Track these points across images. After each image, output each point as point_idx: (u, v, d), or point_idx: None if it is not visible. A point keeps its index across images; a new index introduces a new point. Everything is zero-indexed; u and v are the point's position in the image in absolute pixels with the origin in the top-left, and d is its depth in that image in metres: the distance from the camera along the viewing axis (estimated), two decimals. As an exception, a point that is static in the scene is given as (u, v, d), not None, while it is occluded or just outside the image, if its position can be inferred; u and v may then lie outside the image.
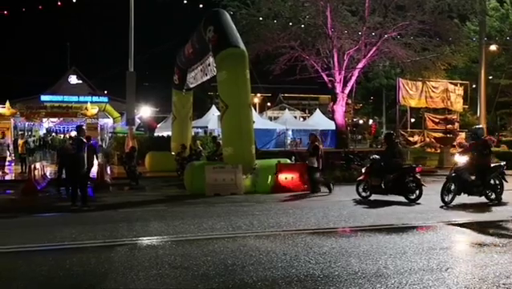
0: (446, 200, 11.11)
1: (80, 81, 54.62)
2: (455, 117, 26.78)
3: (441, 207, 10.93)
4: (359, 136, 51.06)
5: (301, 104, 72.18)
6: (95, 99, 41.39)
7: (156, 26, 64.84)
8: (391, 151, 12.59)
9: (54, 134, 34.64)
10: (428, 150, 25.66)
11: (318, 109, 47.17)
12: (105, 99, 43.81)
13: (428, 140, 25.34)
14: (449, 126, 25.86)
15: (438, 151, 24.65)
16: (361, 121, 58.86)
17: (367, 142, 49.86)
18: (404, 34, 25.32)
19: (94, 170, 15.51)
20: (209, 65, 17.95)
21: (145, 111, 42.18)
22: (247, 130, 14.67)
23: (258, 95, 53.09)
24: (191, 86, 21.75)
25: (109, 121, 40.26)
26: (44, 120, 35.03)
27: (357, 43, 24.66)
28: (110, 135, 35.34)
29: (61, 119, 35.34)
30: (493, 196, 11.53)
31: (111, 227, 8.94)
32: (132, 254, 6.90)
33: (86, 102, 36.48)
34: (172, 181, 17.53)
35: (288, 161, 15.91)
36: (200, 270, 5.97)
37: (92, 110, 33.09)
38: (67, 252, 7.08)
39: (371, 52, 24.63)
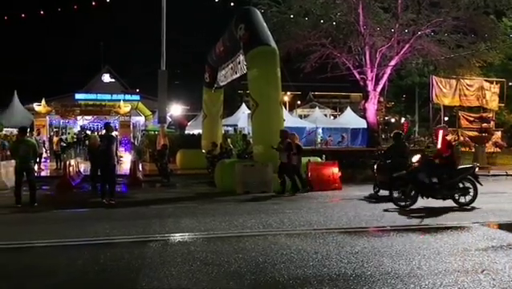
0: (401, 203, 10.63)
1: (113, 80, 55.68)
2: (490, 116, 26.07)
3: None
4: (391, 135, 50.26)
5: (331, 102, 71.42)
6: (127, 97, 42.05)
7: (188, 24, 65.42)
8: (397, 149, 12.49)
9: (88, 132, 35.30)
10: (463, 149, 25.07)
11: (349, 107, 46.67)
12: (137, 97, 44.46)
13: (462, 138, 24.75)
14: (485, 125, 25.20)
15: (473, 150, 24.05)
16: (393, 120, 57.94)
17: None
18: (437, 31, 24.76)
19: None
20: (239, 63, 17.99)
21: (176, 110, 42.67)
22: (278, 128, 14.63)
23: (288, 93, 52.83)
24: (221, 84, 21.85)
25: (141, 119, 40.83)
26: (78, 117, 35.74)
27: (390, 40, 24.25)
28: (142, 133, 35.81)
29: (94, 117, 35.97)
30: (465, 200, 10.84)
31: (144, 223, 9.08)
32: (165, 250, 6.98)
33: (119, 100, 37.06)
34: (202, 178, 17.66)
35: (319, 160, 15.81)
36: (231, 268, 5.99)
37: (125, 108, 33.58)
38: (101, 247, 7.22)
39: (404, 49, 24.20)
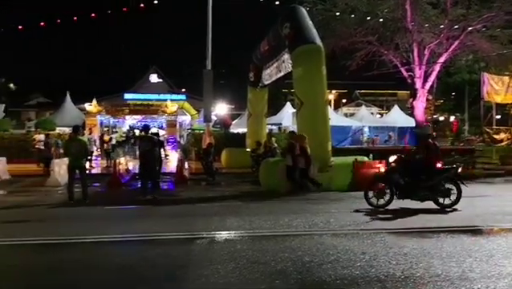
0: (374, 203, 10.48)
1: (160, 80, 56.91)
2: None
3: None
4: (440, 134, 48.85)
5: (378, 100, 70.18)
6: (174, 96, 42.89)
7: (233, 24, 65.97)
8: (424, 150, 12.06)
9: (137, 131, 36.20)
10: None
11: (396, 105, 45.72)
12: (183, 96, 45.26)
13: (516, 137, 23.77)
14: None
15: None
16: (442, 118, 56.31)
17: (448, 140, 47.66)
18: (489, 27, 23.81)
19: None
20: (283, 62, 17.95)
21: (221, 109, 43.07)
22: (323, 127, 14.50)
23: (334, 91, 52.42)
24: (266, 83, 21.88)
25: (187, 118, 41.49)
26: (127, 117, 36.71)
27: (438, 37, 23.56)
28: (188, 132, 36.37)
29: (143, 116, 36.85)
30: (448, 201, 10.38)
31: (190, 221, 9.22)
32: (211, 248, 7.07)
33: (165, 100, 37.82)
34: (247, 177, 17.73)
35: (365, 159, 15.56)
36: (277, 266, 5.99)
37: (172, 107, 34.22)
38: (150, 243, 7.39)
39: (454, 46, 23.45)
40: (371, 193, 10.63)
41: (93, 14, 22.93)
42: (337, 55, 24.84)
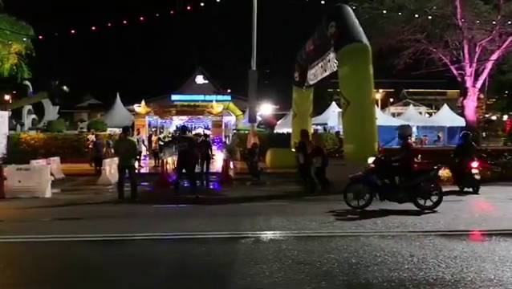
0: (353, 204, 10.41)
1: (206, 81, 57.67)
2: None
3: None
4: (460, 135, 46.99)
5: (426, 100, 68.26)
6: (219, 97, 43.36)
7: (278, 24, 65.94)
8: (465, 150, 12.58)
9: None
10: None
11: (445, 105, 44.43)
12: (228, 97, 45.69)
13: None
14: None
15: None
16: (494, 117, 54.25)
17: (500, 140, 45.85)
18: (545, 22, 22.82)
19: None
20: (329, 61, 17.82)
21: (266, 109, 43.12)
22: (370, 127, 14.31)
23: (381, 90, 51.52)
24: (311, 82, 21.77)
25: (232, 119, 41.85)
26: (174, 117, 37.38)
27: (490, 33, 22.77)
28: (233, 132, 36.69)
29: (189, 116, 37.45)
30: (428, 203, 10.15)
31: (236, 220, 9.30)
32: (256, 247, 7.11)
33: (211, 101, 38.28)
34: (292, 177, 17.68)
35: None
36: (323, 267, 5.95)
37: (217, 108, 34.59)
38: (196, 242, 7.51)
39: (507, 43, 22.59)
40: (350, 194, 10.54)
41: (141, 18, 23.51)
42: (384, 54, 24.47)
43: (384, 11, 23.63)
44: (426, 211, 10.04)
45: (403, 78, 34.93)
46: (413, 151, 10.92)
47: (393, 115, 48.19)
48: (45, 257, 6.77)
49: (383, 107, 51.89)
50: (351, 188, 10.64)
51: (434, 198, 10.21)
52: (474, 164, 13.18)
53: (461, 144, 14.37)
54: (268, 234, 7.98)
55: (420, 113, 50.28)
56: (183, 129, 14.47)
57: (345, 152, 14.91)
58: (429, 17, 23.56)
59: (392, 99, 65.45)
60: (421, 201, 10.22)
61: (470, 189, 13.30)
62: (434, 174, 10.68)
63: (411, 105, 51.26)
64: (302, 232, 8.13)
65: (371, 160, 11.07)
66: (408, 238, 7.57)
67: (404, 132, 11.18)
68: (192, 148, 13.32)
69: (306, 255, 6.53)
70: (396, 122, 37.48)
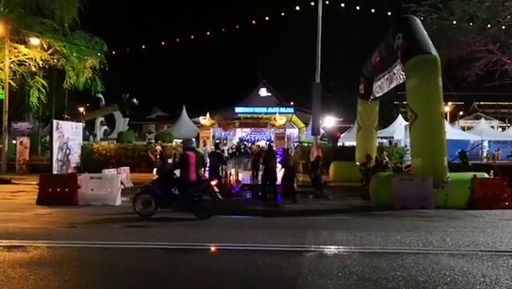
0: (140, 211, 11.20)
1: (269, 93, 58.13)
2: None
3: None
4: None
5: (499, 113, 65.06)
6: (282, 110, 43.46)
7: (342, 36, 65.44)
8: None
9: (246, 143, 37.30)
10: None
11: (520, 118, 42.17)
12: (291, 109, 45.69)
13: None
14: None
15: None
16: None
17: None
18: None
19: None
20: (395, 73, 17.43)
21: (329, 121, 42.75)
22: (438, 141, 13.81)
23: (450, 103, 49.66)
24: (377, 95, 21.36)
25: (295, 131, 41.78)
26: (237, 129, 37.87)
27: None
28: (295, 144, 36.62)
29: (252, 129, 37.81)
30: (203, 212, 11.03)
31: (299, 233, 9.24)
32: (320, 262, 7.02)
33: (274, 113, 38.46)
34: (356, 191, 17.41)
35: (485, 175, 14.53)
36: (389, 285, 5.79)
37: (280, 121, 34.69)
38: (259, 253, 7.52)
39: None
40: (138, 202, 11.32)
41: (208, 33, 24.21)
42: (454, 65, 23.69)
43: (454, 22, 22.89)
44: (503, 232, 9.53)
45: (474, 90, 33.62)
46: (183, 161, 11.54)
47: (463, 128, 46.32)
48: (113, 262, 7.04)
49: (452, 121, 50.11)
50: (140, 197, 11.48)
51: (208, 208, 11.19)
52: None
53: None
54: (332, 249, 7.86)
55: (493, 127, 48.00)
56: (216, 145, 14.86)
57: (412, 167, 14.47)
58: (503, 27, 22.56)
59: (461, 113, 62.87)
60: (197, 210, 11.11)
61: None
62: (207, 186, 11.56)
63: (482, 118, 49.07)
64: (367, 248, 7.95)
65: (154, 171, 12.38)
66: (479, 258, 7.21)
67: (188, 144, 12.05)
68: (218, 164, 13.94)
69: (371, 271, 6.38)
70: (466, 136, 36.02)
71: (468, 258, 7.19)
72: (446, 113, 45.28)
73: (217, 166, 16.57)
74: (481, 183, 13.53)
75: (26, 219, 10.98)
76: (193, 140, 12.79)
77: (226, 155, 25.42)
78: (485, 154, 35.88)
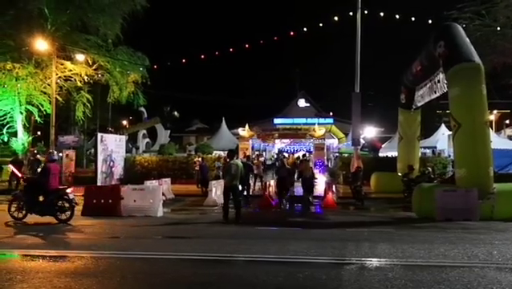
0: (15, 215, 12.31)
1: (308, 104, 57.99)
2: None
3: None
4: None
5: (549, 121, 62.59)
6: (321, 120, 43.24)
7: (381, 45, 64.74)
8: None
9: (286, 154, 37.19)
10: None
11: None
12: (331, 120, 45.43)
13: None
14: None
15: None
16: None
17: None
18: None
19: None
20: (438, 82, 17.07)
21: (369, 132, 42.22)
22: (483, 150, 13.42)
23: (495, 111, 48.18)
24: (418, 104, 20.96)
25: (334, 142, 41.43)
26: (276, 140, 37.85)
27: None
28: (335, 155, 36.30)
29: (291, 140, 37.71)
30: (64, 217, 12.12)
31: (340, 245, 9.14)
32: (361, 274, 6.92)
33: (313, 124, 38.26)
34: (397, 202, 17.09)
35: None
36: (433, 299, 5.65)
37: (319, 131, 34.45)
38: (299, 265, 7.49)
39: None
40: (13, 207, 12.42)
41: (247, 45, 24.48)
42: (499, 73, 23.01)
43: (498, 28, 22.29)
44: None
45: (520, 98, 32.44)
46: (46, 172, 12.44)
47: (510, 138, 44.70)
48: (154, 272, 7.15)
49: (498, 130, 48.56)
50: (12, 202, 12.54)
51: (68, 213, 12.18)
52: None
53: None
54: (373, 261, 7.74)
55: (542, 136, 46.11)
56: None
57: (456, 178, 14.10)
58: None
59: (507, 121, 60.80)
60: (59, 215, 12.12)
61: None
62: (63, 193, 12.34)
63: (531, 127, 47.29)
64: (409, 260, 7.78)
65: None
66: (529, 272, 6.95)
67: (50, 157, 12.93)
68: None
69: (414, 285, 6.24)
70: (514, 145, 34.74)
71: (516, 272, 6.94)
72: (491, 122, 44.00)
73: (247, 175, 16.73)
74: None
75: (71, 230, 11.36)
76: (55, 152, 14.32)
77: (265, 166, 25.39)
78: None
